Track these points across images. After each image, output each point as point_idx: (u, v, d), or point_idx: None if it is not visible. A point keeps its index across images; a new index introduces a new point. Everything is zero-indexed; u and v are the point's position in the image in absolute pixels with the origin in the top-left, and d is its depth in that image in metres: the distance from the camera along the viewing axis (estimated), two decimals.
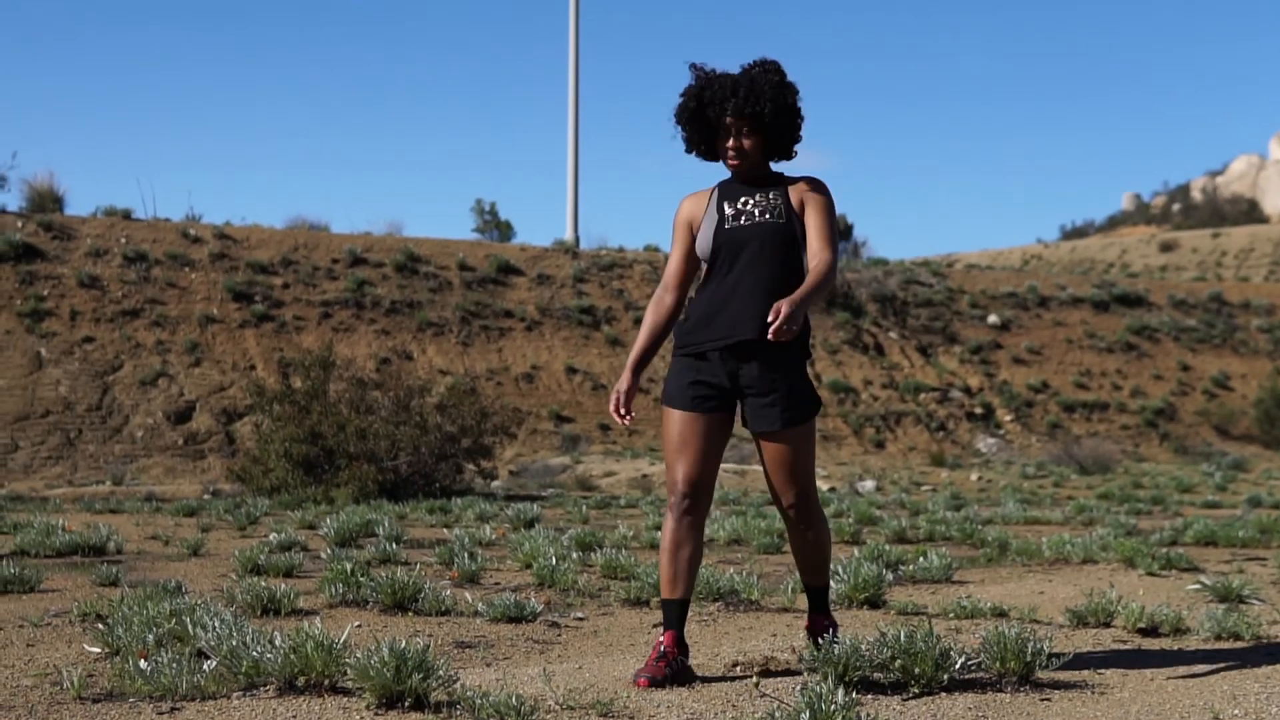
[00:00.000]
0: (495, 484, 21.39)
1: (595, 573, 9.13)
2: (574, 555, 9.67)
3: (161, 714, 4.64)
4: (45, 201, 33.34)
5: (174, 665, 4.93)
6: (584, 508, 16.04)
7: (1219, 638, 6.57)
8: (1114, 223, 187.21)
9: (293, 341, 30.08)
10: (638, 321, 34.50)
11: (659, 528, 12.37)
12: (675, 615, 5.36)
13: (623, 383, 5.50)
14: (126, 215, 33.40)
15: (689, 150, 5.65)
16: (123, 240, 31.75)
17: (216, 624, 5.51)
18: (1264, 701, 5.10)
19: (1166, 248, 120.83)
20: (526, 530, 12.21)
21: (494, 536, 11.72)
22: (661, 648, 5.28)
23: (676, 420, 5.43)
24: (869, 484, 23.54)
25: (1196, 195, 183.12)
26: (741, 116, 5.45)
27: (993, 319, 40.15)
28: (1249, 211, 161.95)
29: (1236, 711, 4.92)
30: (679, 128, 5.61)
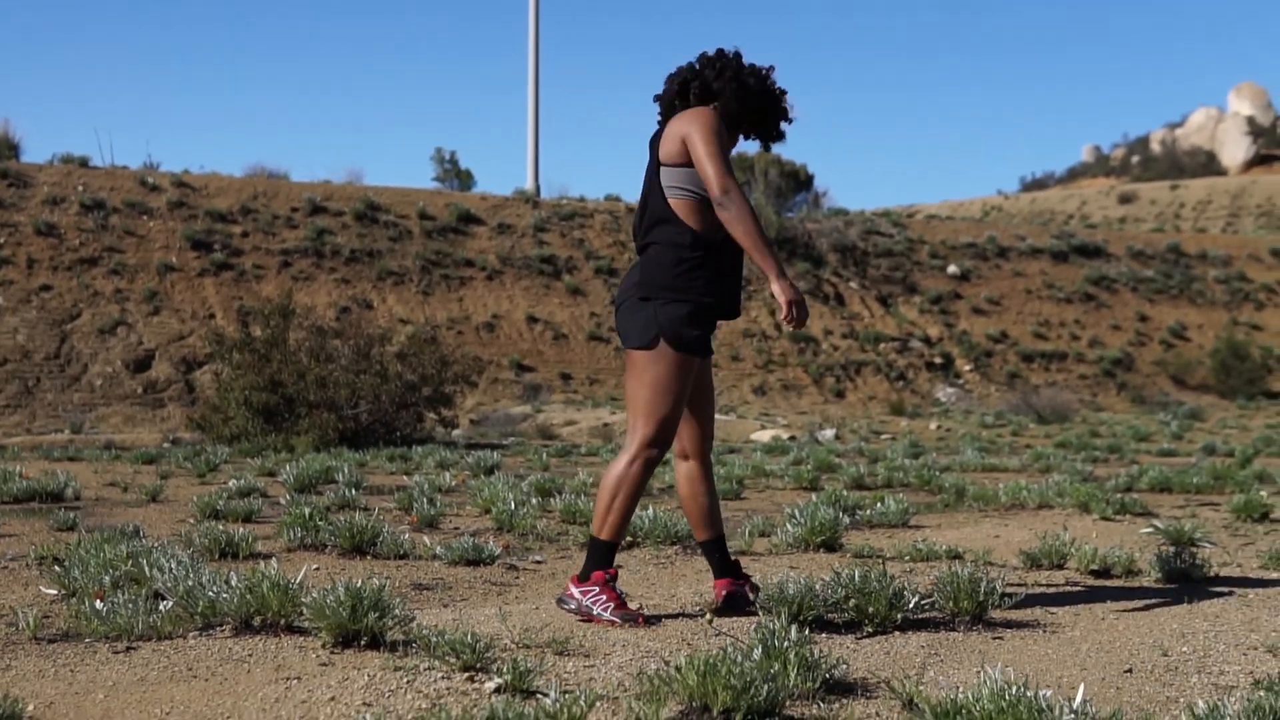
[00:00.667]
0: (456, 432, 21.39)
1: (554, 518, 9.16)
2: (533, 501, 9.68)
3: (117, 653, 4.64)
4: (0, 149, 33.02)
5: (130, 606, 4.93)
6: (544, 455, 16.06)
7: (1170, 579, 6.65)
8: (1074, 174, 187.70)
9: (252, 290, 29.95)
10: (599, 270, 34.48)
11: None
12: (614, 555, 5.44)
13: (794, 287, 5.26)
14: (84, 163, 33.14)
15: (773, 126, 5.67)
16: (80, 188, 31.50)
17: (173, 566, 5.52)
18: (1212, 639, 5.17)
19: (1125, 199, 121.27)
20: (486, 477, 12.22)
21: (454, 483, 11.74)
22: (615, 582, 5.31)
23: (692, 369, 5.42)
24: (829, 432, 23.65)
25: (1155, 147, 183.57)
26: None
27: (952, 269, 40.27)
28: (1207, 164, 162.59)
29: (1185, 649, 4.99)
30: (767, 106, 5.62)
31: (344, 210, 33.84)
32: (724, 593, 5.62)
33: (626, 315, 5.43)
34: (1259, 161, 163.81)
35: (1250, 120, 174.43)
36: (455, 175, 49.07)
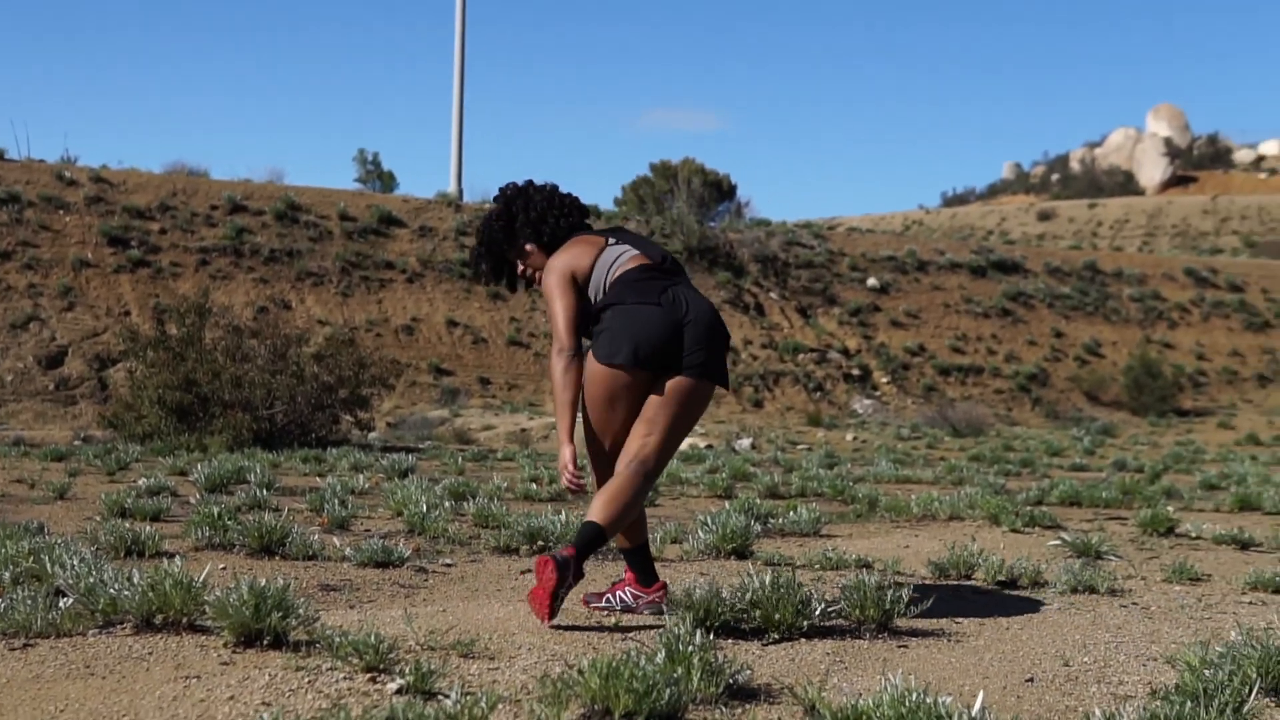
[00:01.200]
0: (372, 435, 21.27)
1: (467, 522, 9.14)
2: (446, 504, 9.66)
3: (13, 650, 4.57)
4: None
5: (29, 602, 4.86)
6: (460, 460, 16.00)
7: (1075, 591, 6.72)
8: (994, 191, 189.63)
9: (169, 288, 29.65)
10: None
11: (535, 480, 12.40)
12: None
13: None
14: None
15: None
16: None
17: (75, 562, 5.45)
18: (1113, 650, 5.23)
19: (1044, 216, 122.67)
20: (400, 480, 12.16)
21: (367, 485, 11.68)
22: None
23: None
24: (745, 442, 23.71)
25: (1075, 166, 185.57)
26: None
27: (872, 282, 40.53)
28: (1125, 183, 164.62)
29: (1086, 659, 5.04)
30: None
31: (264, 210, 33.57)
32: (663, 594, 5.65)
33: (723, 348, 5.67)
34: (1175, 182, 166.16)
35: (1168, 141, 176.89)
36: (377, 177, 48.87)
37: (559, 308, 5.61)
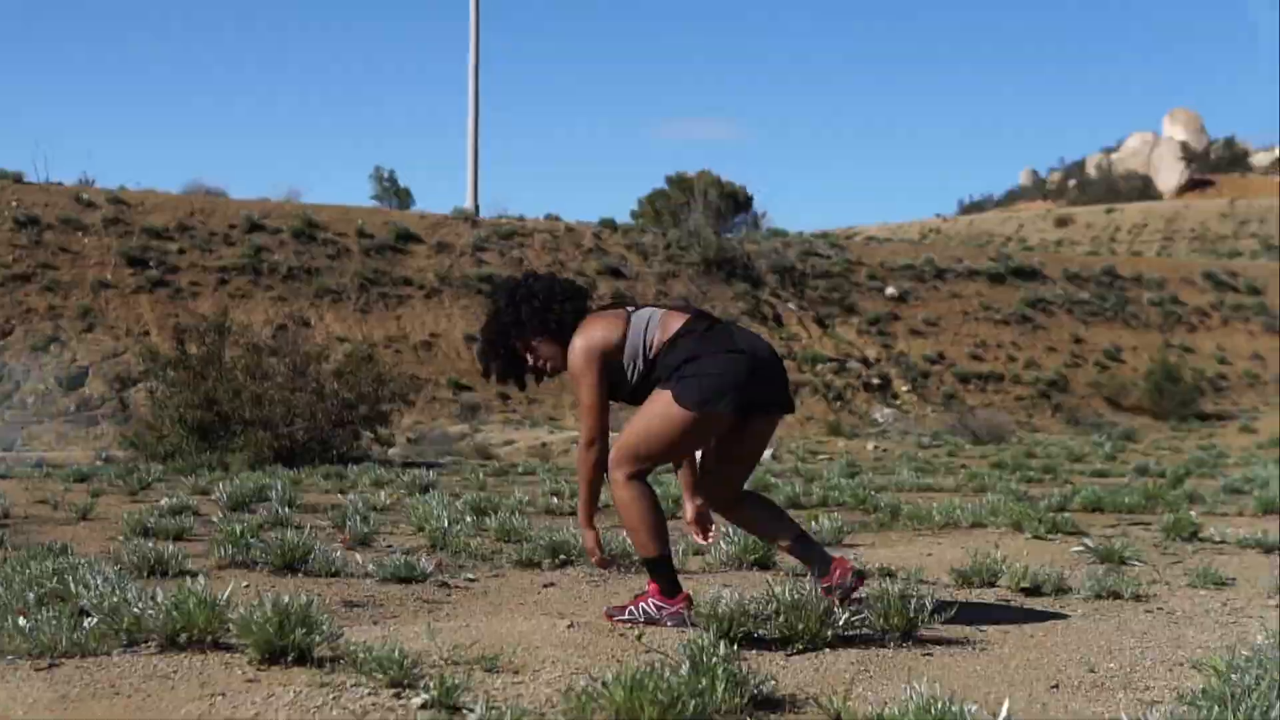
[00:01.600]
0: (392, 451, 21.30)
1: (489, 536, 9.13)
2: (468, 519, 9.65)
3: (39, 670, 4.58)
4: None
5: (53, 623, 4.88)
6: (481, 474, 16.01)
7: (1099, 597, 6.69)
8: (1011, 198, 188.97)
9: (188, 308, 29.73)
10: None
11: (556, 494, 12.39)
12: None
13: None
14: (18, 179, 32.82)
15: None
16: (14, 204, 31.20)
17: (99, 582, 5.46)
18: (1139, 655, 5.21)
19: (1062, 222, 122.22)
20: (422, 495, 12.17)
21: (389, 501, 11.68)
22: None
23: None
24: (766, 452, 23.65)
25: (1092, 172, 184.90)
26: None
27: (890, 290, 40.48)
28: (1143, 188, 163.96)
29: (1112, 665, 5.03)
30: None
31: (282, 228, 33.67)
32: (687, 605, 5.70)
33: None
34: (1192, 186, 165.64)
35: (1184, 145, 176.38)
36: (394, 193, 48.94)
37: (587, 392, 5.67)
